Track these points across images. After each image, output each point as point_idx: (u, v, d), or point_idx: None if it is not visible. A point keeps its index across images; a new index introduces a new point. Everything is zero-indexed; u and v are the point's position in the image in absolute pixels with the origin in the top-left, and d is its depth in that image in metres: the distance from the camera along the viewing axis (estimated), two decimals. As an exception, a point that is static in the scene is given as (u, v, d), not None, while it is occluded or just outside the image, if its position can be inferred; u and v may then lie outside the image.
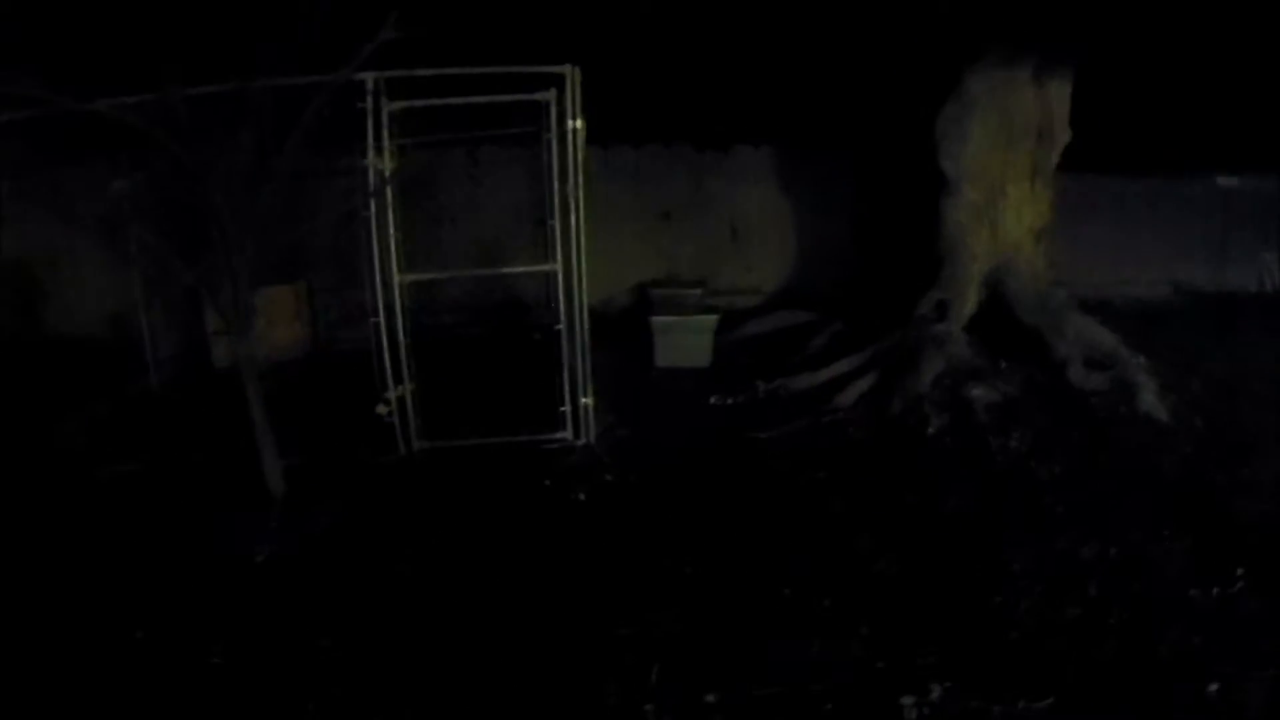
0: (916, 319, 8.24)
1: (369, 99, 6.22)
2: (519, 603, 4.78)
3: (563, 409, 6.69)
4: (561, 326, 6.51)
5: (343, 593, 4.93)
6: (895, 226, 9.34)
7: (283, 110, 5.69)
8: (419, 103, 6.27)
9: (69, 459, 6.85)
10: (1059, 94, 8.51)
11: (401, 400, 6.56)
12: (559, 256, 6.37)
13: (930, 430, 7.18)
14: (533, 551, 5.34)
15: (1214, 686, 4.10)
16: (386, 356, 6.46)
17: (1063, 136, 8.62)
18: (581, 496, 6.02)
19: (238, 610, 4.77)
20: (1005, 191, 8.43)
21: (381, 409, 7.34)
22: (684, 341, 8.48)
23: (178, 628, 4.60)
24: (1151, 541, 5.45)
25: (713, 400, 7.77)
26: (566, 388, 6.67)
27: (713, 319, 8.59)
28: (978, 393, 7.50)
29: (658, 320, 8.49)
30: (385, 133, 6.30)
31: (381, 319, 6.41)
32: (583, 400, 6.67)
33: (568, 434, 6.74)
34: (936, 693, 4.02)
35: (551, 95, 6.41)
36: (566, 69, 6.29)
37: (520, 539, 5.49)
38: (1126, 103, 9.63)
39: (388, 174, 6.34)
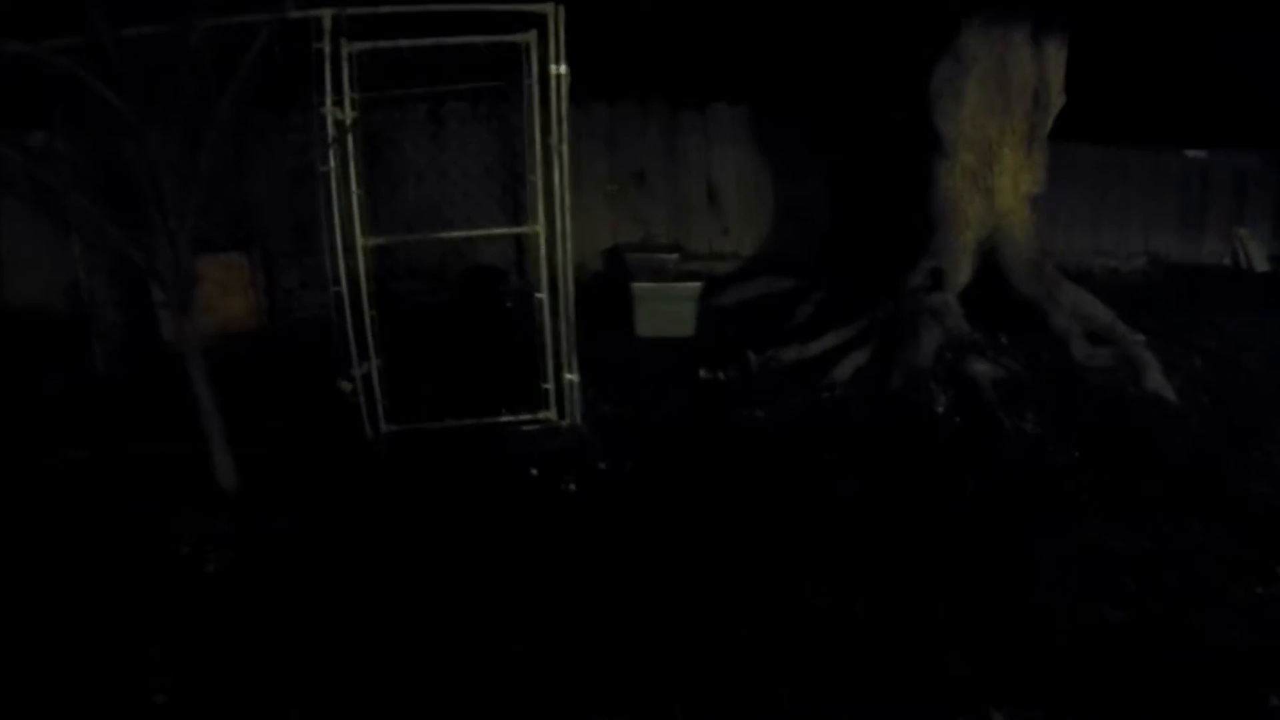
0: (910, 288, 7.49)
1: (326, 39, 5.25)
2: (507, 621, 3.91)
3: (545, 386, 5.80)
4: (542, 295, 5.63)
5: (303, 610, 4.01)
6: (880, 190, 8.53)
7: (228, 53, 4.71)
8: (383, 44, 5.27)
9: (17, 441, 5.84)
10: (1055, 56, 7.75)
11: (367, 379, 5.62)
12: (540, 217, 5.47)
13: (938, 409, 6.48)
14: (520, 556, 4.46)
15: (1276, 700, 3.50)
16: (350, 329, 5.54)
17: (1058, 101, 7.87)
18: (572, 487, 5.13)
19: (185, 633, 3.84)
20: (1001, 156, 7.65)
21: (345, 385, 6.44)
22: (667, 310, 7.61)
23: (116, 658, 3.67)
24: (1182, 533, 4.81)
25: (701, 374, 6.90)
26: (550, 363, 5.79)
27: (697, 286, 7.71)
28: (982, 368, 6.80)
29: (639, 287, 7.60)
30: (345, 78, 5.34)
31: (344, 288, 5.49)
32: (567, 377, 5.76)
33: (551, 414, 5.83)
34: (998, 721, 3.38)
35: (532, 38, 5.44)
36: (549, 7, 5.31)
37: (505, 541, 4.60)
38: (1105, 71, 8.98)
39: (348, 124, 5.38)
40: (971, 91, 7.50)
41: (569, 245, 5.53)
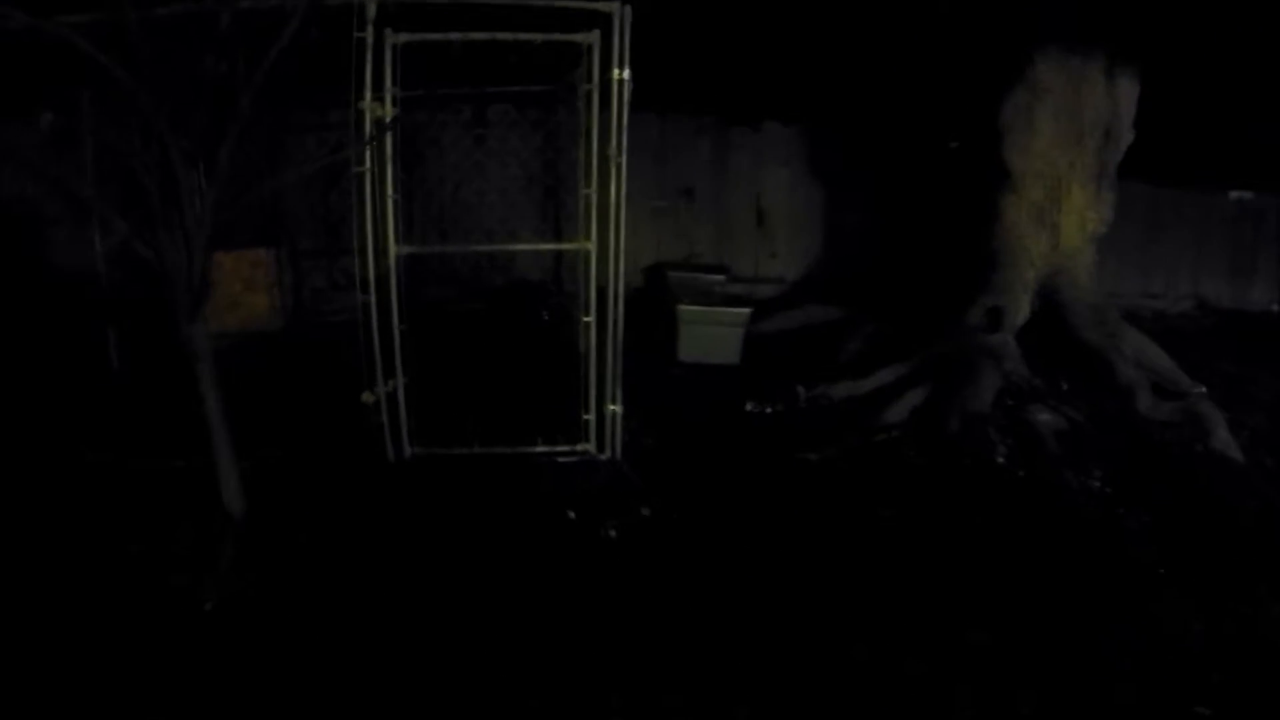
0: (967, 327, 6.87)
1: (369, 28, 4.64)
2: (538, 684, 3.31)
3: (586, 417, 5.15)
4: (589, 318, 5.01)
5: (306, 661, 3.42)
6: (936, 222, 7.85)
7: (261, 40, 4.13)
8: (432, 36, 4.68)
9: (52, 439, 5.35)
10: (1128, 91, 7.10)
11: (392, 397, 5.02)
12: (593, 233, 4.85)
13: (999, 459, 5.84)
14: (554, 611, 3.82)
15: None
16: (376, 342, 4.93)
17: (1128, 137, 7.26)
18: (612, 533, 4.49)
19: (176, 687, 3.24)
20: (1070, 192, 7.01)
21: (367, 398, 5.83)
22: (713, 334, 6.94)
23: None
24: (1265, 618, 4.14)
25: (748, 407, 6.23)
26: (592, 391, 5.16)
27: (745, 312, 7.02)
28: (1044, 418, 6.15)
29: (686, 310, 6.92)
30: (387, 71, 4.73)
31: (372, 297, 4.88)
32: (610, 408, 5.12)
33: (590, 446, 5.18)
34: None
35: (594, 38, 4.85)
36: (615, 6, 4.72)
37: (537, 593, 3.97)
38: (1157, 106, 8.36)
39: (388, 122, 4.78)
40: (1044, 123, 6.85)
41: (621, 266, 4.90)
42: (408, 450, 5.05)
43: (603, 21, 4.75)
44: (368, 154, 4.80)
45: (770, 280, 9.00)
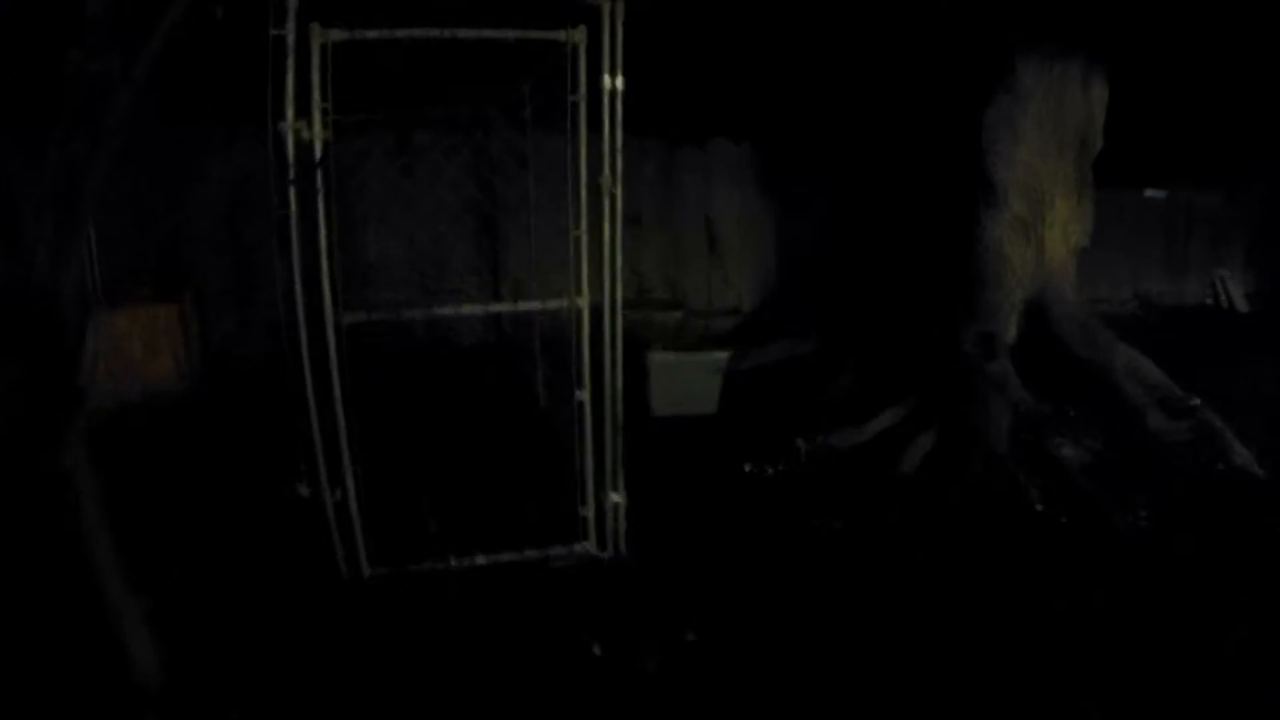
0: (962, 355, 5.91)
1: (290, 22, 3.22)
2: None
3: (584, 513, 3.78)
4: (583, 395, 3.61)
5: None
6: (909, 241, 6.86)
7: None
8: (371, 34, 3.30)
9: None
10: (1100, 97, 6.23)
11: (341, 505, 3.62)
12: (584, 284, 3.57)
13: (1036, 506, 4.87)
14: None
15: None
16: (318, 437, 3.50)
17: (1098, 144, 6.48)
18: (651, 667, 3.23)
19: None
20: (1054, 203, 6.13)
21: (304, 490, 4.40)
22: (688, 384, 5.68)
23: None
24: None
25: (748, 469, 5.01)
26: (589, 479, 3.84)
27: (724, 356, 5.81)
28: (1068, 452, 5.21)
29: (658, 357, 5.65)
30: (315, 80, 3.32)
31: (308, 381, 3.45)
32: (613, 499, 3.79)
33: (589, 545, 3.86)
34: None
35: (580, 36, 3.55)
36: (605, 2, 3.48)
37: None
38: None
39: (318, 148, 3.36)
40: (1029, 132, 5.89)
41: (619, 324, 3.63)
42: (366, 570, 3.62)
43: (589, 17, 3.47)
44: (291, 194, 3.39)
45: (726, 312, 7.70)
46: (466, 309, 3.44)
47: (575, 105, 3.37)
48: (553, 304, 3.45)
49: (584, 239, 3.43)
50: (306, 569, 3.67)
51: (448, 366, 5.13)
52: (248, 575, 3.70)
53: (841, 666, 3.22)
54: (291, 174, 3.26)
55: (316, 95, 3.23)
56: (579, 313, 3.42)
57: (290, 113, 3.20)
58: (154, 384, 5.58)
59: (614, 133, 3.38)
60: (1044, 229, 6.09)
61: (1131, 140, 8.16)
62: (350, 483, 3.52)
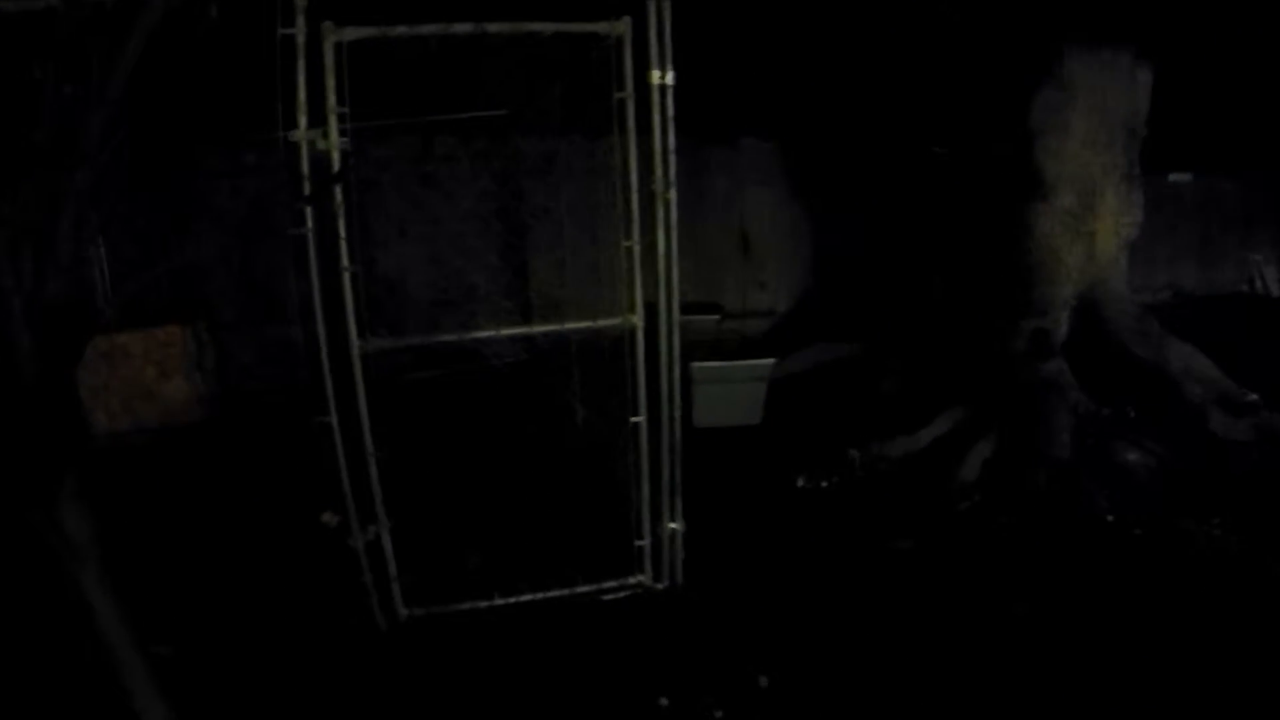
0: (1015, 356, 5.46)
1: (300, 19, 2.82)
2: None
3: (640, 543, 3.37)
4: (639, 418, 3.25)
5: None
6: (950, 237, 6.39)
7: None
8: (396, 30, 2.89)
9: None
10: (1146, 86, 5.76)
11: (375, 545, 3.23)
12: (637, 301, 3.16)
13: (1107, 516, 4.43)
14: None
15: None
16: (344, 474, 3.12)
17: (1143, 133, 6.00)
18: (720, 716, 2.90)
19: None
20: (1104, 196, 5.66)
21: (329, 518, 4.03)
22: (732, 393, 5.19)
23: None
24: None
25: (800, 483, 4.59)
26: (645, 507, 3.41)
27: (769, 363, 5.31)
28: (1134, 458, 4.79)
29: (700, 367, 5.13)
30: (330, 83, 2.92)
31: (333, 418, 3.05)
32: (670, 527, 3.40)
33: (645, 577, 3.44)
34: None
35: (624, 29, 3.11)
36: (651, -10, 3.05)
37: None
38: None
39: (335, 161, 2.97)
40: (1077, 124, 5.40)
41: (677, 341, 3.22)
42: (402, 611, 3.24)
43: (634, 8, 3.05)
44: (308, 213, 2.99)
45: (760, 314, 7.19)
46: (506, 331, 3.05)
47: (622, 103, 2.94)
48: (604, 323, 3.04)
49: (636, 249, 3.01)
50: (336, 609, 3.28)
51: (477, 386, 4.71)
52: (273, 616, 3.32)
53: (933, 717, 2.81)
54: (306, 189, 2.86)
55: (331, 100, 2.82)
56: (633, 331, 3.00)
57: (303, 121, 2.80)
58: (169, 410, 5.21)
59: (665, 132, 2.96)
60: (1094, 222, 5.61)
61: (1164, 126, 7.64)
62: (383, 518, 3.13)
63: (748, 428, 5.25)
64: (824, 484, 4.52)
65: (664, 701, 2.79)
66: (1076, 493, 4.49)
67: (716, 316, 6.30)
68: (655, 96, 2.96)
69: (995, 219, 5.80)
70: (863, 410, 5.41)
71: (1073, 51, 5.43)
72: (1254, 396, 5.50)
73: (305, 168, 2.77)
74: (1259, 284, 8.70)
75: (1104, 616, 3.35)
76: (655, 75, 2.96)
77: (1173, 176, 9.04)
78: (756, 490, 4.54)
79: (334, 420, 2.95)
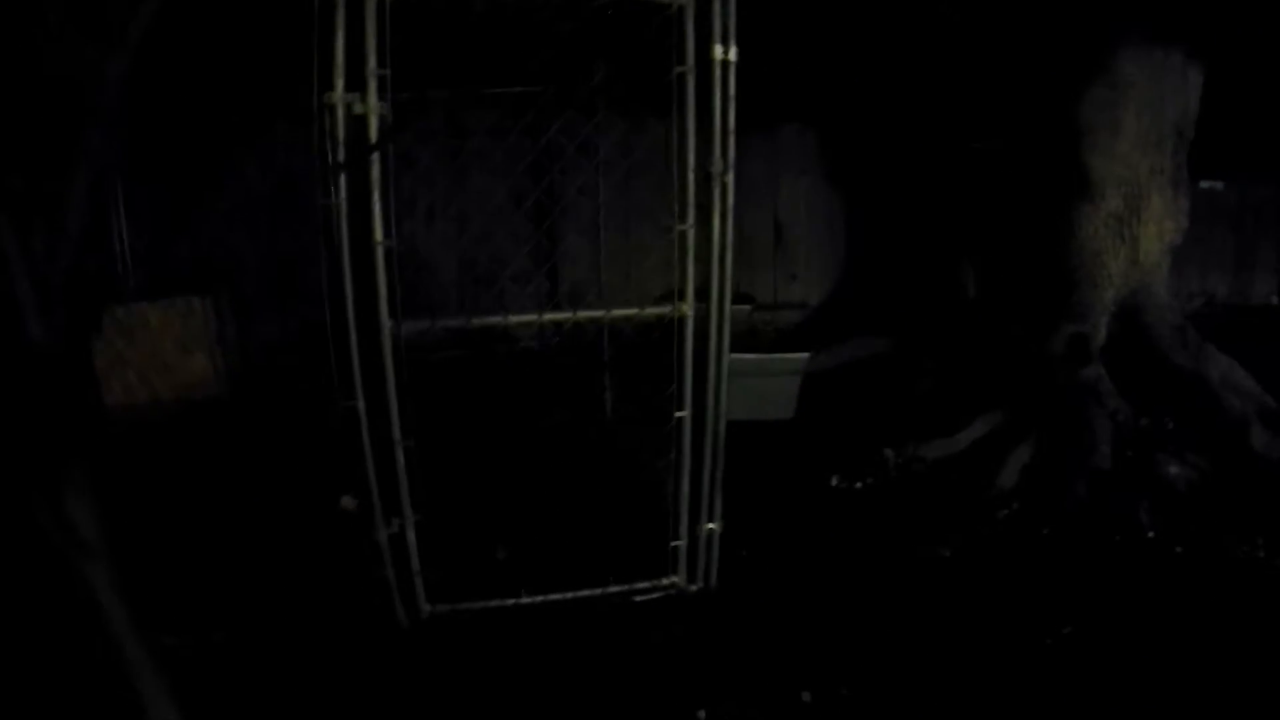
0: (1054, 360, 5.19)
1: None
2: None
3: (675, 543, 3.10)
4: (684, 413, 3.04)
5: None
6: (989, 235, 6.07)
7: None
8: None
9: None
10: (1196, 86, 5.46)
11: (398, 539, 3.00)
12: (689, 289, 2.92)
13: (1149, 532, 4.18)
14: None
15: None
16: (371, 466, 2.89)
17: (1191, 136, 5.70)
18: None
19: None
20: (1150, 199, 5.38)
21: (348, 503, 3.81)
22: (765, 387, 4.89)
23: None
24: None
25: (834, 482, 4.34)
26: (684, 507, 3.16)
27: (803, 357, 5.02)
28: (1175, 471, 4.53)
29: (734, 359, 4.82)
30: (370, 42, 2.66)
31: (360, 402, 2.81)
32: (708, 527, 3.17)
33: (679, 578, 3.19)
34: None
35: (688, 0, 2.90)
36: (714, -48, 2.78)
37: None
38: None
39: (374, 126, 2.72)
40: (1128, 124, 5.10)
41: (727, 334, 2.97)
42: (425, 608, 3.02)
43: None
44: (341, 181, 2.74)
45: (792, 306, 6.90)
46: (548, 316, 2.81)
47: (682, 77, 2.67)
48: (652, 311, 2.79)
49: (691, 234, 2.76)
50: (356, 602, 3.06)
51: (506, 369, 4.47)
52: (289, 608, 3.10)
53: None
54: (341, 155, 2.60)
55: (371, 61, 2.55)
56: (683, 321, 2.76)
57: (339, 83, 2.54)
58: (188, 385, 4.99)
59: (726, 111, 2.70)
60: (1139, 226, 5.32)
61: (1202, 130, 7.30)
62: (408, 511, 2.89)
63: (779, 423, 4.98)
64: (859, 484, 4.27)
65: (701, 715, 2.56)
66: (1117, 505, 4.25)
67: (748, 307, 6.05)
68: (716, 73, 2.70)
69: (1037, 219, 5.51)
70: (897, 408, 5.15)
71: (1125, 49, 5.11)
72: (1297, 410, 5.25)
73: (341, 132, 2.52)
74: (1294, 295, 8.41)
75: (1152, 643, 3.11)
76: (718, 50, 2.70)
77: (1204, 184, 8.71)
78: (789, 488, 4.28)
79: (361, 405, 2.72)
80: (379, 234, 2.72)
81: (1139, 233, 5.36)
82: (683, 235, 2.79)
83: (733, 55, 2.70)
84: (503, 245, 5.12)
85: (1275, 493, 4.51)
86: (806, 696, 2.69)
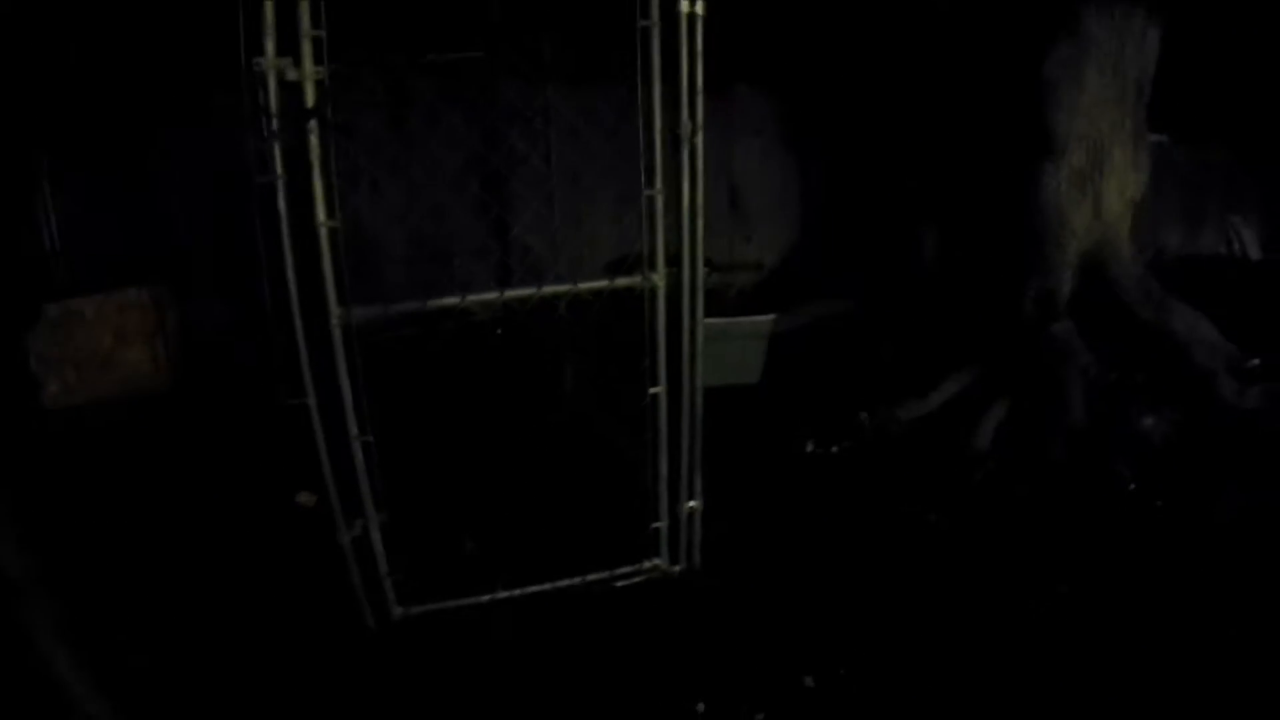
0: (1023, 318, 5.12)
1: None
2: None
3: (656, 525, 2.93)
4: (658, 389, 2.83)
5: None
6: (951, 193, 5.93)
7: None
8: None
9: None
10: (1154, 45, 5.41)
11: (361, 541, 2.79)
12: (658, 258, 2.73)
13: (1130, 486, 4.14)
14: None
15: None
16: (326, 468, 2.67)
17: (1148, 94, 5.64)
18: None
19: None
20: (1112, 155, 5.30)
21: (305, 499, 3.60)
22: (731, 351, 4.72)
23: None
24: None
25: (809, 448, 4.22)
26: (663, 488, 2.91)
27: (770, 319, 4.87)
28: (1149, 424, 4.51)
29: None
30: (306, 3, 2.40)
31: (311, 398, 2.59)
32: (689, 505, 3.00)
33: (661, 561, 3.02)
34: None
35: (647, -55, 2.64)
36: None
37: None
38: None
39: (310, 95, 2.46)
40: (1091, 80, 4.97)
41: (700, 303, 2.80)
42: (396, 610, 2.82)
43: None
44: (276, 153, 2.49)
45: (747, 267, 6.65)
46: (511, 293, 2.60)
47: (647, 33, 2.45)
48: (622, 282, 2.60)
49: (659, 199, 2.56)
50: (320, 606, 2.86)
51: (463, 349, 4.23)
52: (248, 615, 2.89)
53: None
54: (274, 125, 2.35)
55: (305, 22, 2.29)
56: (653, 293, 2.57)
57: (270, 45, 2.28)
58: (130, 378, 4.65)
59: (694, 69, 2.50)
60: (1101, 181, 5.25)
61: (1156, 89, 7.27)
62: (371, 511, 2.68)
63: (744, 388, 4.84)
64: (834, 449, 4.16)
65: (700, 708, 2.43)
66: (1096, 461, 4.21)
67: (707, 270, 5.84)
68: (684, 27, 2.49)
69: (1000, 176, 5.40)
70: (863, 370, 5.04)
71: (1089, 6, 5.00)
72: (1256, 361, 5.27)
73: (272, 101, 2.26)
74: (1237, 246, 8.51)
75: (1148, 597, 3.05)
76: (684, 2, 2.49)
77: (1152, 137, 8.75)
78: (763, 456, 4.15)
79: (312, 402, 2.49)
80: (322, 214, 2.48)
81: (1102, 188, 5.29)
82: (650, 201, 2.60)
83: (699, 8, 2.50)
84: (457, 219, 4.84)
85: (1246, 442, 4.55)
86: (809, 681, 2.57)
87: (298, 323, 2.43)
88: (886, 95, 6.26)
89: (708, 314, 2.87)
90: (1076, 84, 5.10)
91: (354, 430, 2.50)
